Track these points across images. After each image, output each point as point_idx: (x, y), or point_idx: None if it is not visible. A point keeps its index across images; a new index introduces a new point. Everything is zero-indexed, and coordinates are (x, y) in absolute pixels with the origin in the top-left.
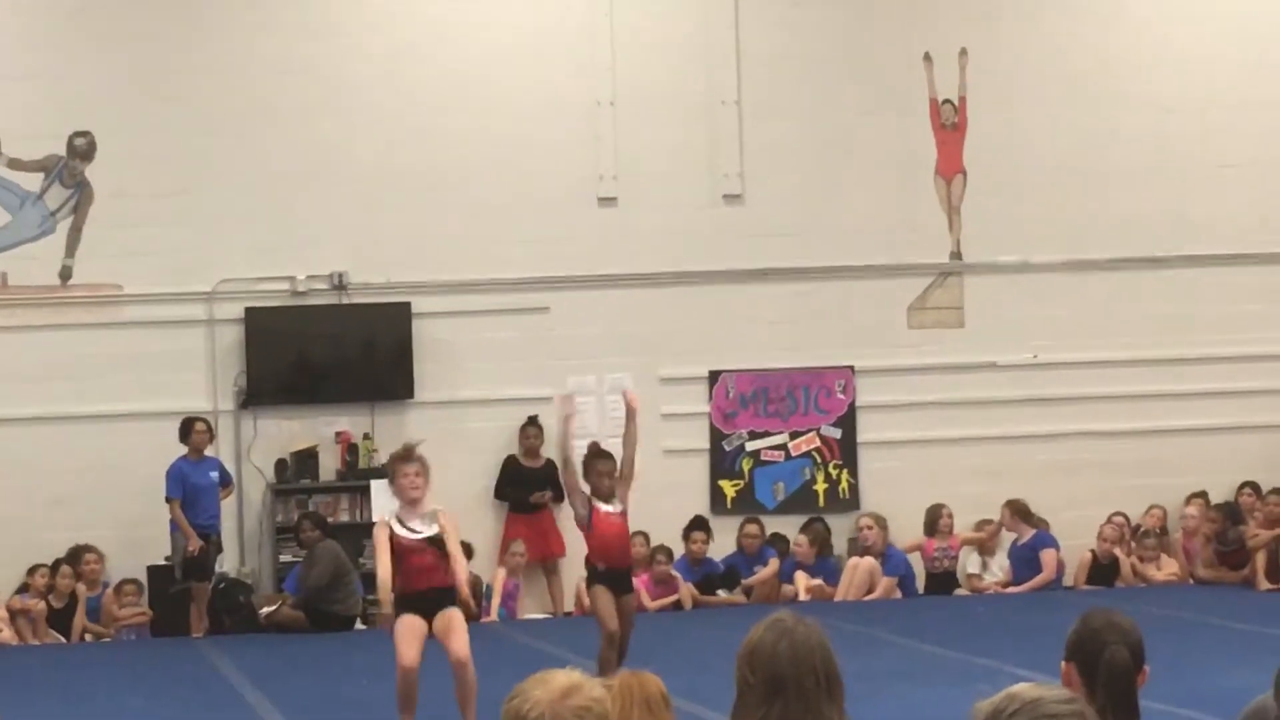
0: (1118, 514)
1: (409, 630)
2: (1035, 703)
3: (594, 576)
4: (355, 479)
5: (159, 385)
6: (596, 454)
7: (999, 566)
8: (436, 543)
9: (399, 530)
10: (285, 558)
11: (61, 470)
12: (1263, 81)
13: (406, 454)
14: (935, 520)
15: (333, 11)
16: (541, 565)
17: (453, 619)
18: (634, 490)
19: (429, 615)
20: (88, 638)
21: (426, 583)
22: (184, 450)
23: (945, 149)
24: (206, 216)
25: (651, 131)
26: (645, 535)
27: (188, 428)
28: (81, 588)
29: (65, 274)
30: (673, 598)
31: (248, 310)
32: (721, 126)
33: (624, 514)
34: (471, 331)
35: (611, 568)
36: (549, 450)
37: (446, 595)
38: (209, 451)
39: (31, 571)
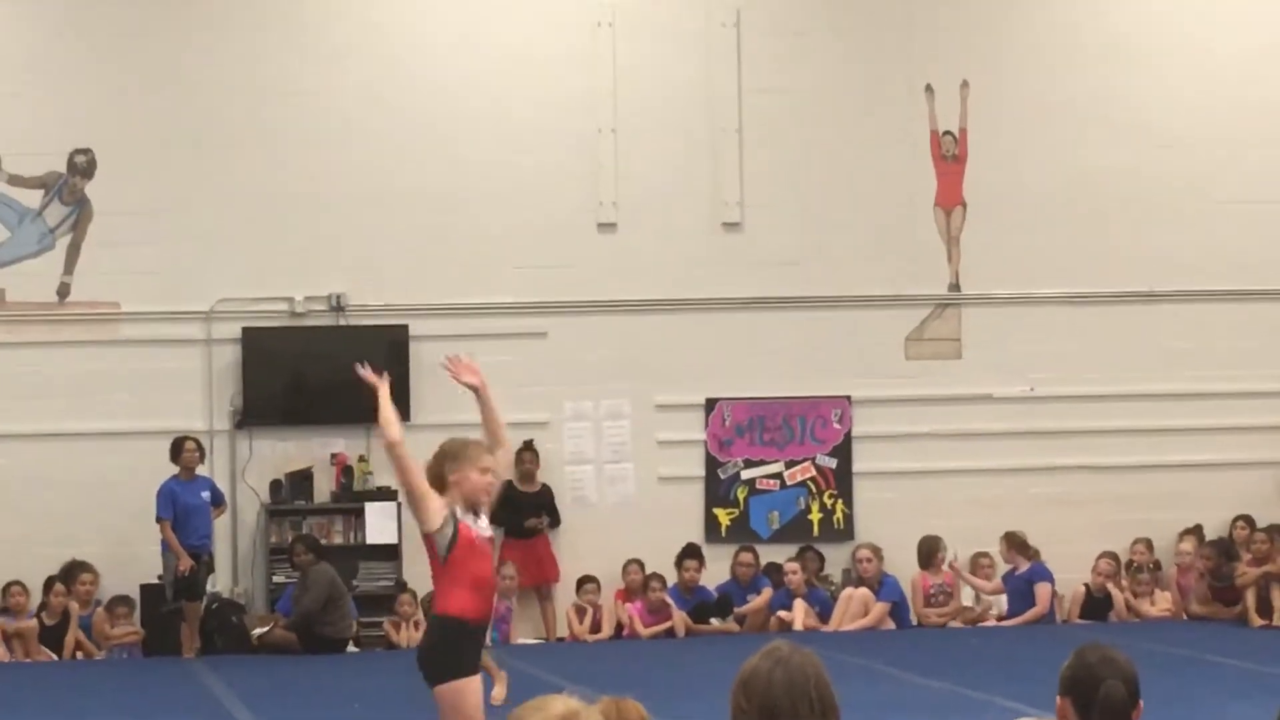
0: (1109, 551)
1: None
2: None
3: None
4: (350, 501)
5: (155, 404)
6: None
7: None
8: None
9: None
10: (279, 578)
11: (56, 487)
12: (1260, 118)
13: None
14: (931, 554)
15: (335, 35)
16: (535, 591)
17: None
18: (630, 516)
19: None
20: (79, 655)
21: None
22: (176, 470)
23: (945, 180)
24: (205, 236)
25: (652, 159)
26: (640, 563)
27: (178, 447)
28: (74, 605)
29: (63, 291)
30: (666, 625)
31: (245, 330)
32: (722, 155)
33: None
34: (469, 355)
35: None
36: (545, 475)
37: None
38: (200, 471)
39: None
